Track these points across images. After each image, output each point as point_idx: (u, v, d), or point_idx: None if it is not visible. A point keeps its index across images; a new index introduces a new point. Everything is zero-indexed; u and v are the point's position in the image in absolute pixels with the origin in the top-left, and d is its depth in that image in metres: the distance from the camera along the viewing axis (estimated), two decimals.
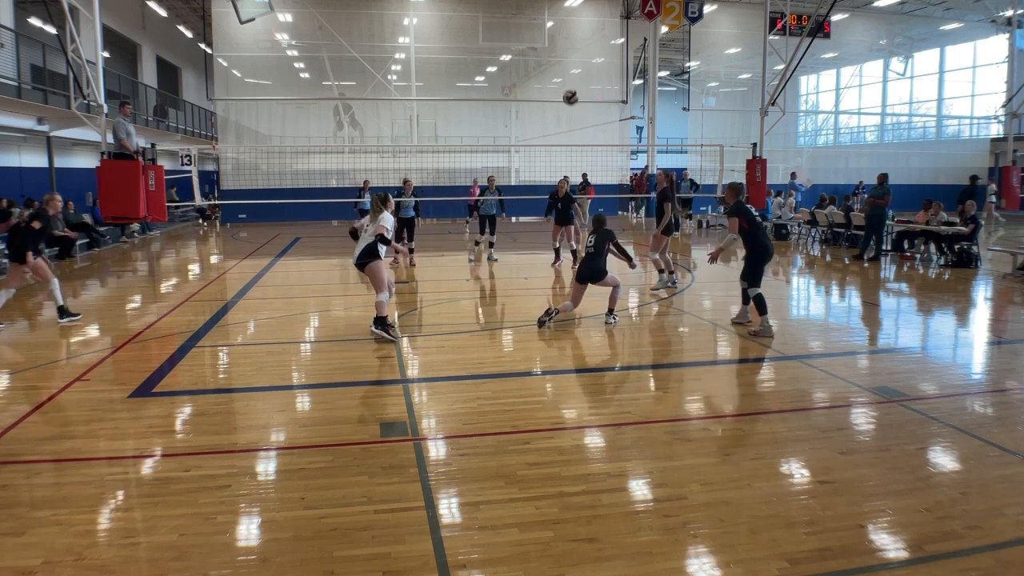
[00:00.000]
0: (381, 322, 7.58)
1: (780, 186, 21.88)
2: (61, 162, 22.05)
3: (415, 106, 27.67)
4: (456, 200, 22.29)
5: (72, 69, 13.07)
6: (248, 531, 3.69)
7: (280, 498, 4.01)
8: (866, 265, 13.55)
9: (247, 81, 27.01)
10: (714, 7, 26.49)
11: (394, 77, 29.00)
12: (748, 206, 7.95)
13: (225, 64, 25.59)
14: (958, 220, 13.51)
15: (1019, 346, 7.64)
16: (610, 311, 8.40)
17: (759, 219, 8.02)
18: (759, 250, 7.83)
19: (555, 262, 13.21)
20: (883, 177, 14.51)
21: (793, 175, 21.84)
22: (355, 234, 8.05)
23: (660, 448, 4.75)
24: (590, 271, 8.17)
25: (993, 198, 24.07)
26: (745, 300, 8.13)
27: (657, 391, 6.21)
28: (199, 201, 17.74)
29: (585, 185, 23.12)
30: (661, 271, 10.85)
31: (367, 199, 15.47)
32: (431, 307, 9.97)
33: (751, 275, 7.89)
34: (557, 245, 13.20)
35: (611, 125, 27.24)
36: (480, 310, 9.94)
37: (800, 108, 35.97)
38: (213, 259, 16.47)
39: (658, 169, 14.32)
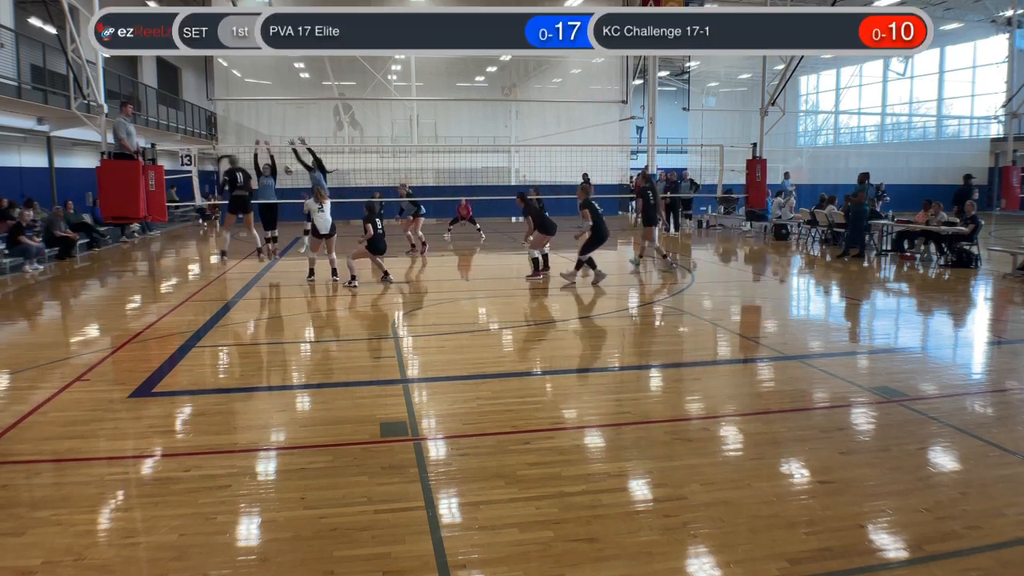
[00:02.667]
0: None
1: (775, 186, 21.80)
2: (61, 162, 22.01)
3: (415, 106, 27.67)
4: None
5: (72, 69, 13.05)
6: (248, 531, 3.69)
7: (280, 498, 4.00)
8: (865, 264, 13.55)
9: (247, 81, 27.02)
10: (714, 7, 26.48)
11: (394, 77, 28.99)
12: (593, 202, 11.33)
13: (225, 64, 25.60)
14: (957, 220, 13.50)
15: (1019, 346, 7.64)
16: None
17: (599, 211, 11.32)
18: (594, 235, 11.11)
19: (536, 273, 11.74)
20: (862, 176, 14.77)
21: (787, 175, 21.79)
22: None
23: (660, 448, 4.75)
24: None
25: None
26: (578, 265, 11.20)
27: (657, 391, 6.22)
28: (199, 201, 17.71)
29: (585, 185, 23.09)
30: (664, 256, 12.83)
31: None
32: (431, 307, 9.97)
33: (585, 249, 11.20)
34: (537, 254, 11.85)
35: (611, 125, 27.22)
36: (480, 310, 9.94)
37: (800, 108, 35.93)
38: (213, 259, 16.46)
39: (659, 170, 14.62)
